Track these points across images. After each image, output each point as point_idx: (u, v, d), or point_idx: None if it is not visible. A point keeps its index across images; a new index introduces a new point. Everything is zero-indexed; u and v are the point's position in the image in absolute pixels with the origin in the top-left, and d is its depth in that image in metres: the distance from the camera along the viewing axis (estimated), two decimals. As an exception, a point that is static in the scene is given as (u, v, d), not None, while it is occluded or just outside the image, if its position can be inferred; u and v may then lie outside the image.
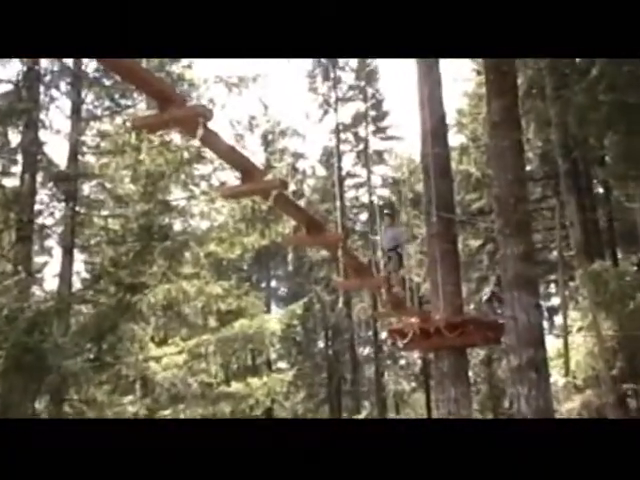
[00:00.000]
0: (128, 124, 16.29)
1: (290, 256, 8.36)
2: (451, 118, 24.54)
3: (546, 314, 28.79)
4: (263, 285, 34.52)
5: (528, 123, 19.30)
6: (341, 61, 33.51)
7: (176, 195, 18.23)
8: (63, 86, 16.38)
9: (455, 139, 25.22)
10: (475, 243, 26.02)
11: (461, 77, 25.43)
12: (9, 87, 15.38)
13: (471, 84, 25.19)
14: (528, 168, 19.98)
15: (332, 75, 33.37)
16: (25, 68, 15.16)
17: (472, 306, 26.75)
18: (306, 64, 33.53)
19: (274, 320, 18.88)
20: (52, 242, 17.83)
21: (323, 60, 33.08)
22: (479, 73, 22.19)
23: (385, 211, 12.94)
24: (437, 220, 11.99)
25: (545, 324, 26.40)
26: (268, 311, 27.52)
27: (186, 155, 16.97)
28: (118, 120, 17.30)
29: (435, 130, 12.76)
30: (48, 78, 15.86)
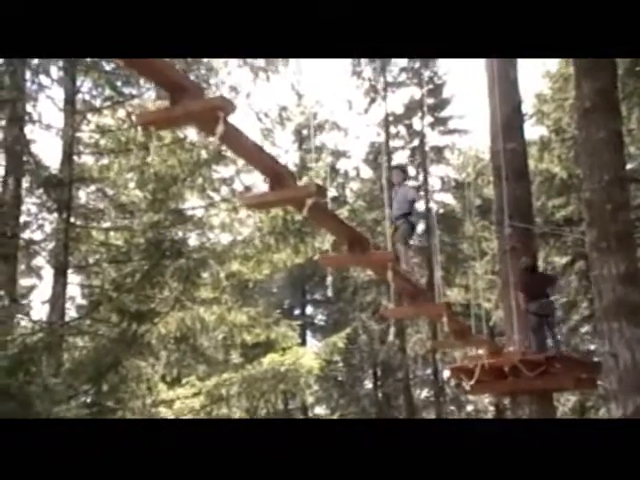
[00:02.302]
0: (133, 118, 16.39)
1: (330, 277, 8.21)
2: (529, 105, 24.19)
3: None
4: (297, 312, 34.50)
5: (630, 109, 18.86)
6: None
7: (192, 203, 18.26)
8: (54, 72, 16.53)
9: (533, 131, 24.87)
10: (561, 260, 25.49)
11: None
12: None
13: (555, 62, 24.75)
14: (630, 166, 19.47)
15: (380, 56, 33.31)
16: (8, 51, 15.37)
17: (559, 338, 26.19)
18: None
19: (311, 355, 18.71)
20: (41, 261, 17.99)
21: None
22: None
23: (395, 165, 11.47)
24: (512, 232, 11.92)
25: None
26: (303, 344, 27.42)
27: (204, 154, 16.99)
28: (121, 113, 17.39)
29: (508, 121, 12.65)
30: (36, 62, 16.02)
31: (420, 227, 34.28)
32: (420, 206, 33.84)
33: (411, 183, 33.92)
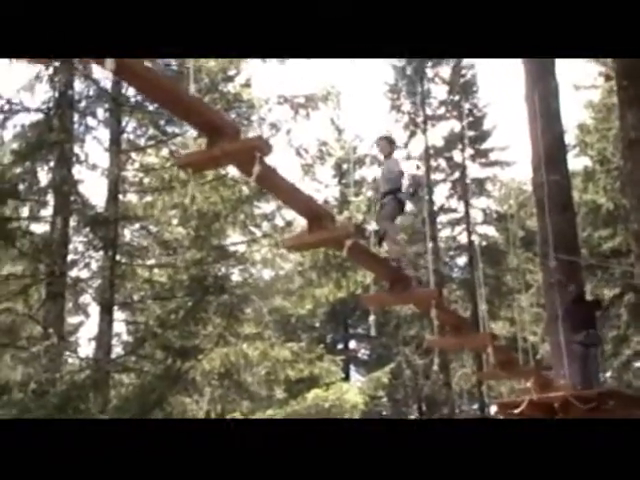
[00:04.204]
0: (176, 156, 16.67)
1: (372, 316, 8.12)
2: (571, 136, 24.02)
3: None
4: (340, 347, 34.30)
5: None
6: (429, 72, 33.55)
7: (234, 239, 18.39)
8: (100, 113, 16.92)
9: (577, 162, 24.65)
10: (609, 292, 25.03)
11: (584, 83, 24.95)
12: (38, 116, 15.99)
13: (597, 92, 24.64)
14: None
15: (419, 89, 33.40)
16: (57, 94, 15.76)
17: (609, 374, 25.59)
18: (388, 77, 33.85)
19: (354, 390, 18.63)
20: (88, 298, 18.20)
21: (408, 72, 33.19)
22: (608, 78, 21.64)
23: (382, 135, 9.08)
24: (557, 264, 11.74)
25: None
26: (347, 379, 27.24)
27: (245, 191, 17.13)
28: (164, 151, 17.69)
29: (551, 152, 12.56)
30: (83, 104, 16.42)
31: (463, 260, 34.06)
32: (463, 237, 33.57)
33: (453, 216, 33.75)
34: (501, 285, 31.95)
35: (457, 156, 33.52)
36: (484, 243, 32.67)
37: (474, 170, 33.71)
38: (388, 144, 9.05)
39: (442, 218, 33.92)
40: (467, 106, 33.67)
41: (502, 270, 32.25)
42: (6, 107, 15.64)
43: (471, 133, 33.41)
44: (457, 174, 33.51)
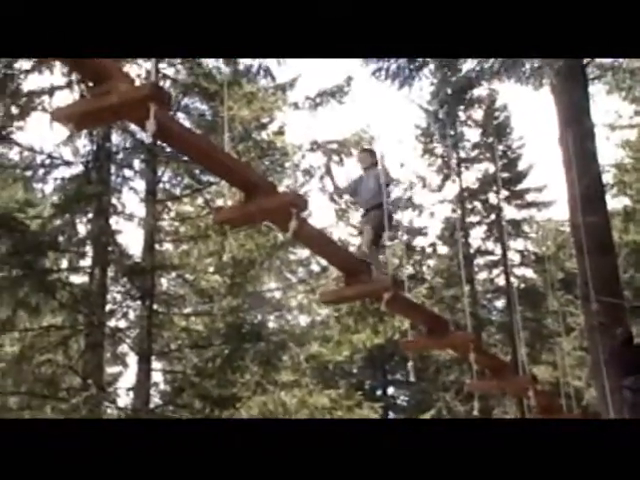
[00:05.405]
0: (211, 205, 16.91)
1: (411, 362, 8.12)
2: (609, 176, 23.87)
3: None
4: (378, 393, 34.02)
5: None
6: (462, 115, 33.67)
7: (269, 286, 18.47)
8: (136, 164, 17.26)
9: (616, 202, 24.44)
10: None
11: (619, 123, 24.89)
12: (78, 169, 16.36)
13: (633, 131, 24.54)
14: None
15: (452, 132, 33.52)
16: (95, 147, 16.14)
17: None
18: (420, 121, 33.94)
19: (394, 438, 18.35)
20: (126, 348, 18.33)
21: (440, 115, 33.35)
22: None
23: (363, 147, 8.68)
24: (599, 307, 11.52)
25: None
26: (386, 426, 26.94)
27: (280, 237, 17.27)
28: (199, 200, 17.93)
29: (588, 193, 12.49)
30: (120, 156, 16.77)
31: (501, 302, 33.72)
32: (500, 280, 33.27)
33: (489, 258, 33.49)
34: (541, 328, 31.49)
35: (492, 198, 33.42)
36: (522, 285, 32.33)
37: (510, 212, 33.52)
38: (369, 156, 8.61)
39: (479, 260, 33.67)
40: (501, 148, 33.64)
41: (542, 313, 31.83)
42: (47, 161, 16.10)
43: (506, 175, 33.32)
44: (493, 216, 33.37)
